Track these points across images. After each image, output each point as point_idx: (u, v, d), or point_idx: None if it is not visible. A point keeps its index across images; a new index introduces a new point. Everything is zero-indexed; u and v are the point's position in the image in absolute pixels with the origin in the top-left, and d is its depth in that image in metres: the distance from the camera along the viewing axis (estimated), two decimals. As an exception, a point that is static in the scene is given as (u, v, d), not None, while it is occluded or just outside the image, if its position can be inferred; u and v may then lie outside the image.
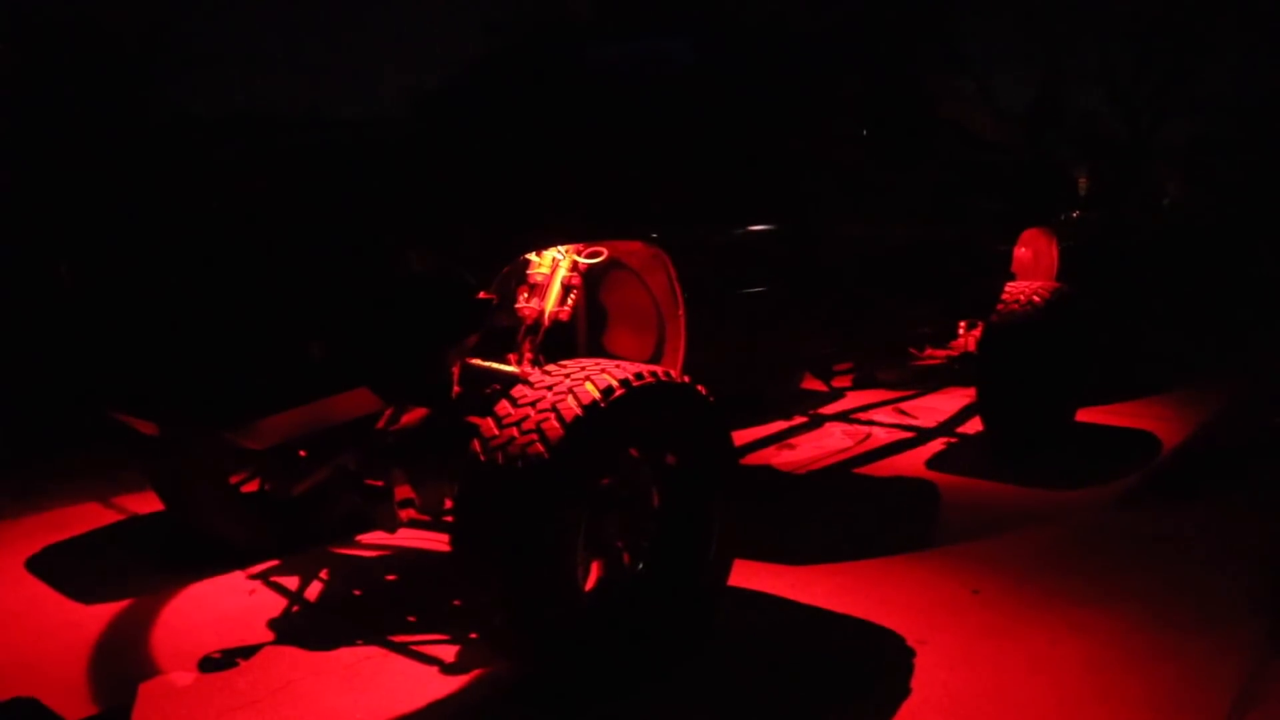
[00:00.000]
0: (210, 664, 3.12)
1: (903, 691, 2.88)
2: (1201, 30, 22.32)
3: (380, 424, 3.19)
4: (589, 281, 3.51)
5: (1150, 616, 3.39)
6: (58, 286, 3.00)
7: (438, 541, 4.14)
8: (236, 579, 3.81)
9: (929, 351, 5.93)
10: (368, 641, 3.23)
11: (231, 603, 3.60)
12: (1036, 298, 5.41)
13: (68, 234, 3.01)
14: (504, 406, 2.68)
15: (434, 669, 3.05)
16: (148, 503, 4.71)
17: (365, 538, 4.22)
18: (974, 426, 6.17)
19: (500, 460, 2.58)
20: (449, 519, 2.77)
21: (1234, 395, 7.33)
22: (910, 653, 3.13)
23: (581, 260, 3.23)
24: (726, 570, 3.19)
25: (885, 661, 3.09)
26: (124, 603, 3.59)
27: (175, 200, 2.78)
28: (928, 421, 6.47)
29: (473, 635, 3.23)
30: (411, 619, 3.43)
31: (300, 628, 3.39)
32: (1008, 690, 2.89)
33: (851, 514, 4.62)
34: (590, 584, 2.93)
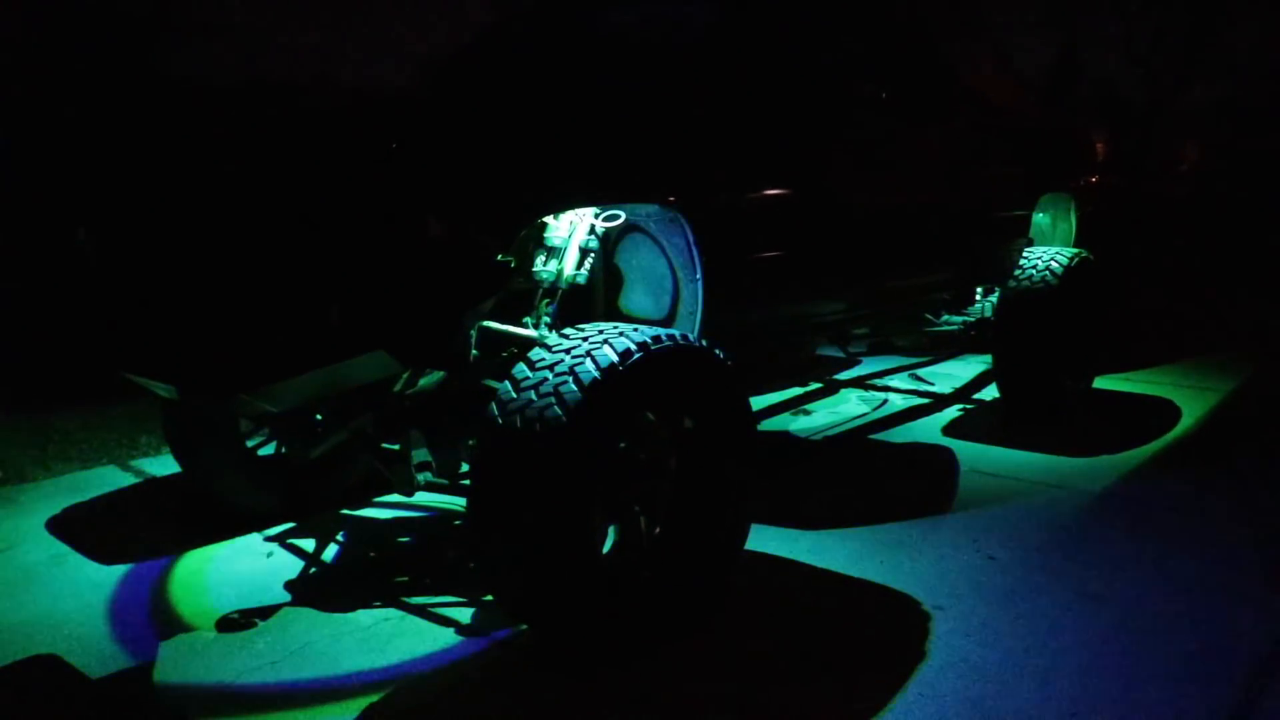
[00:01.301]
0: (229, 624, 3.14)
1: (919, 656, 2.88)
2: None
3: (397, 387, 3.20)
4: (606, 244, 3.49)
5: (1168, 585, 3.38)
6: (75, 250, 3.01)
7: (454, 504, 4.15)
8: (253, 541, 3.83)
9: (945, 317, 5.90)
10: (385, 604, 3.25)
11: (249, 565, 3.62)
12: (1054, 263, 5.36)
13: (85, 198, 3.01)
14: (521, 370, 2.68)
15: (450, 631, 3.07)
16: (164, 466, 4.74)
17: (382, 501, 4.24)
18: (990, 393, 6.15)
19: (517, 423, 2.57)
20: (466, 482, 2.77)
21: (1253, 364, 7.28)
22: (927, 618, 3.13)
23: (599, 223, 3.22)
24: (744, 535, 3.19)
25: (902, 626, 3.10)
26: (143, 563, 3.62)
27: (192, 164, 2.77)
28: (944, 388, 6.45)
29: (489, 598, 3.25)
30: (428, 581, 3.45)
31: (317, 590, 3.41)
32: (1026, 656, 2.89)
33: (867, 480, 4.62)
34: (607, 547, 2.94)
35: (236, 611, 3.23)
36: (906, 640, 3.00)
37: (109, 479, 4.64)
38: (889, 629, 3.09)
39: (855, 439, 5.31)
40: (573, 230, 3.18)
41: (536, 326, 3.15)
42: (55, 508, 4.22)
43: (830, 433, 5.41)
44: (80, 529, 4.00)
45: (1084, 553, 3.65)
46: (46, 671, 2.91)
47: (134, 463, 4.87)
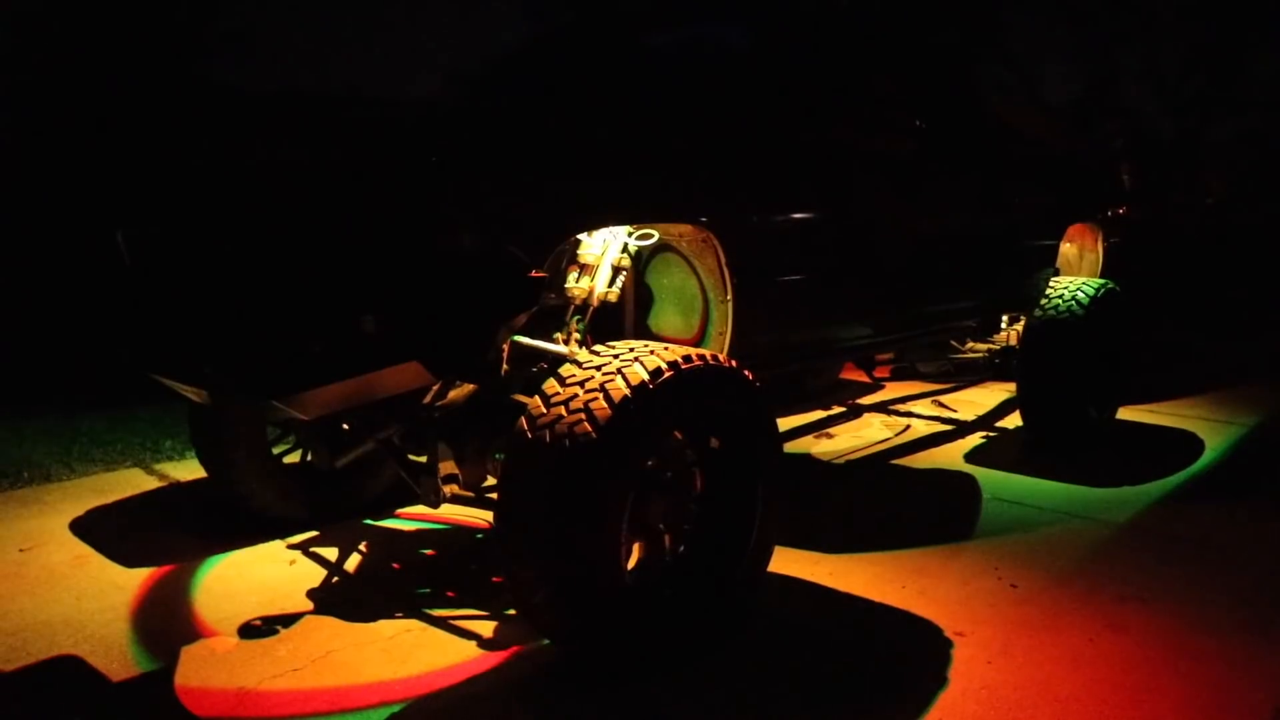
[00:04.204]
0: (251, 631, 3.15)
1: (941, 682, 2.87)
2: (1252, 26, 22.00)
3: (426, 399, 3.21)
4: (638, 263, 3.51)
5: (1190, 617, 3.36)
6: (113, 253, 3.03)
7: (479, 517, 4.16)
8: (276, 548, 3.85)
9: (970, 344, 5.89)
10: (407, 615, 3.26)
11: (271, 572, 3.63)
12: (1081, 293, 5.36)
13: (124, 203, 3.04)
14: (552, 385, 2.69)
15: (472, 644, 3.07)
16: (188, 470, 4.77)
17: (406, 512, 4.25)
18: (1013, 421, 6.13)
19: (547, 439, 2.58)
20: (492, 495, 2.78)
21: (1277, 397, 7.23)
22: (949, 644, 3.12)
23: (632, 242, 3.23)
24: (767, 556, 3.19)
25: (924, 652, 3.08)
26: (166, 567, 3.64)
27: (232, 170, 2.80)
28: (967, 415, 6.44)
29: (512, 612, 3.25)
30: (451, 594, 3.45)
31: (340, 599, 3.42)
32: (1046, 685, 2.87)
33: (889, 505, 4.61)
34: (632, 564, 2.94)
35: (259, 618, 3.24)
36: (927, 666, 2.99)
37: (133, 482, 4.67)
38: (909, 654, 3.08)
39: (877, 464, 5.30)
40: (606, 248, 3.20)
41: (568, 342, 3.17)
42: (79, 509, 4.25)
43: (852, 457, 5.40)
44: (103, 531, 4.02)
45: (1105, 583, 3.63)
46: (68, 672, 2.92)
47: (158, 466, 4.90)
